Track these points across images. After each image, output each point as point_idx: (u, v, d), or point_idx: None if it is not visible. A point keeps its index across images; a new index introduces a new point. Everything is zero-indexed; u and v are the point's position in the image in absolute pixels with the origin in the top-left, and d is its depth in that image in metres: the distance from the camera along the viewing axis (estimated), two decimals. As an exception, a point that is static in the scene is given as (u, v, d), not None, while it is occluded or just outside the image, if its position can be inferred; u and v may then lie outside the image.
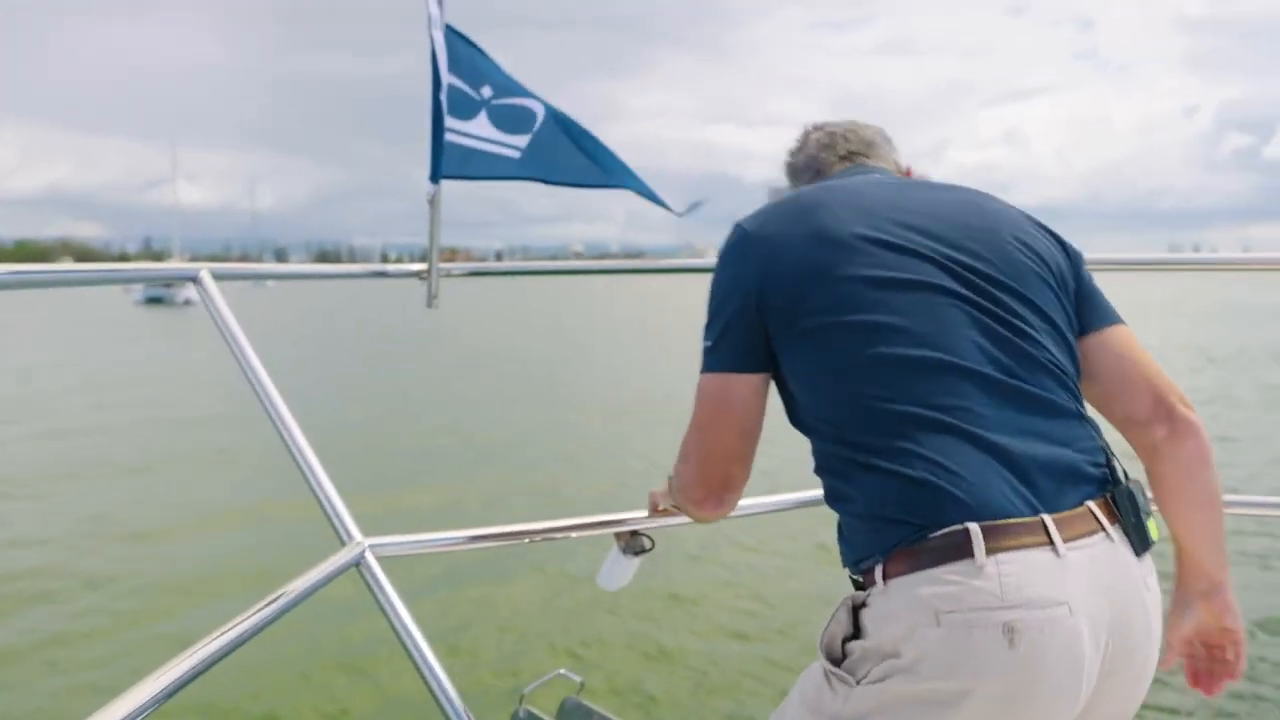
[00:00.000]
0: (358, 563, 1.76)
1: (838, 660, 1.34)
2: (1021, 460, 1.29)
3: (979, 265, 1.41)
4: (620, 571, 2.08)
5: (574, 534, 2.09)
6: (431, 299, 2.61)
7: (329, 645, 6.28)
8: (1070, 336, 1.45)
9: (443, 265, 2.61)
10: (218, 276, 2.01)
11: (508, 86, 2.65)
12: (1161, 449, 1.42)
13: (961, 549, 1.23)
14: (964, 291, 1.39)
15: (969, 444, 1.29)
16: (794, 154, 1.83)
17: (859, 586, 1.37)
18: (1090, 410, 1.44)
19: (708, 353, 1.49)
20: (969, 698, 1.21)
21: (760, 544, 8.39)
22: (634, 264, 3.30)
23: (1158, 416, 1.43)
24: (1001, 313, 1.39)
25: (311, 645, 6.22)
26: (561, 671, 2.21)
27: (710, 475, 1.52)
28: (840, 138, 1.78)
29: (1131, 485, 1.34)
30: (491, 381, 21.93)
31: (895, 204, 1.48)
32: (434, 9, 2.49)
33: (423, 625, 1.76)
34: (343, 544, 1.80)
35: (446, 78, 2.55)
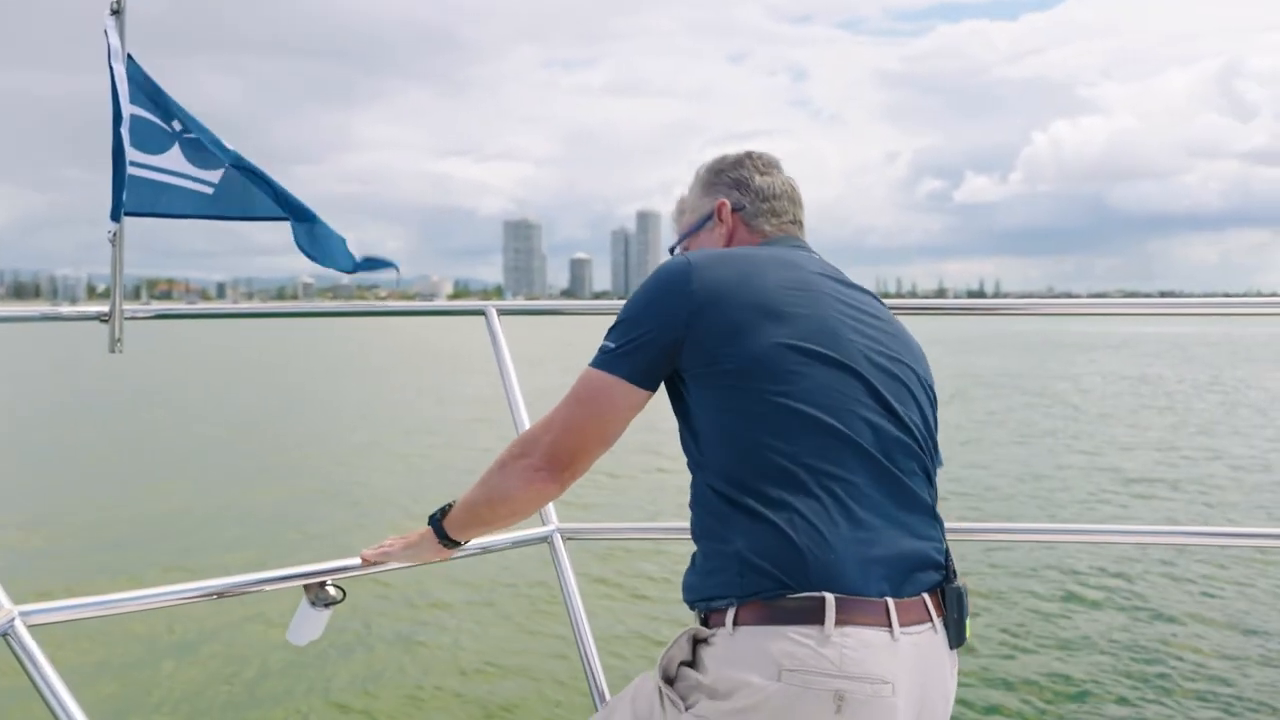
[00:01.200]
0: (4, 633, 1.59)
1: (671, 682, 1.45)
2: (884, 545, 1.41)
3: (888, 364, 1.56)
4: (310, 625, 2.02)
5: (264, 588, 2.02)
6: (115, 343, 2.43)
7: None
8: (935, 439, 1.61)
9: (128, 307, 2.44)
10: None
11: (192, 124, 2.54)
12: None
13: (814, 615, 1.35)
14: (870, 379, 1.51)
15: (845, 517, 1.40)
16: (740, 170, 1.83)
17: (704, 622, 1.46)
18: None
19: (609, 353, 1.55)
20: None
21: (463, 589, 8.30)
22: (337, 307, 3.23)
23: None
24: (897, 406, 1.52)
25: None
26: None
27: (559, 454, 1.56)
28: (789, 200, 1.83)
29: (961, 585, 1.48)
30: (185, 428, 20.38)
31: (829, 291, 1.60)
32: (114, 40, 2.36)
33: (86, 702, 1.61)
34: None
35: (128, 109, 2.42)
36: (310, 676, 6.46)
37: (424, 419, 21.92)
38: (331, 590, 2.00)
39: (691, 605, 1.52)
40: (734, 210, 1.81)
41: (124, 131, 2.39)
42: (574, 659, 2.17)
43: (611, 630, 6.68)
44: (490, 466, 1.64)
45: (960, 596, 1.47)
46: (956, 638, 1.46)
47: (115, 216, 2.41)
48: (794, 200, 1.84)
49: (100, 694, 6.04)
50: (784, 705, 1.32)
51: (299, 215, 2.60)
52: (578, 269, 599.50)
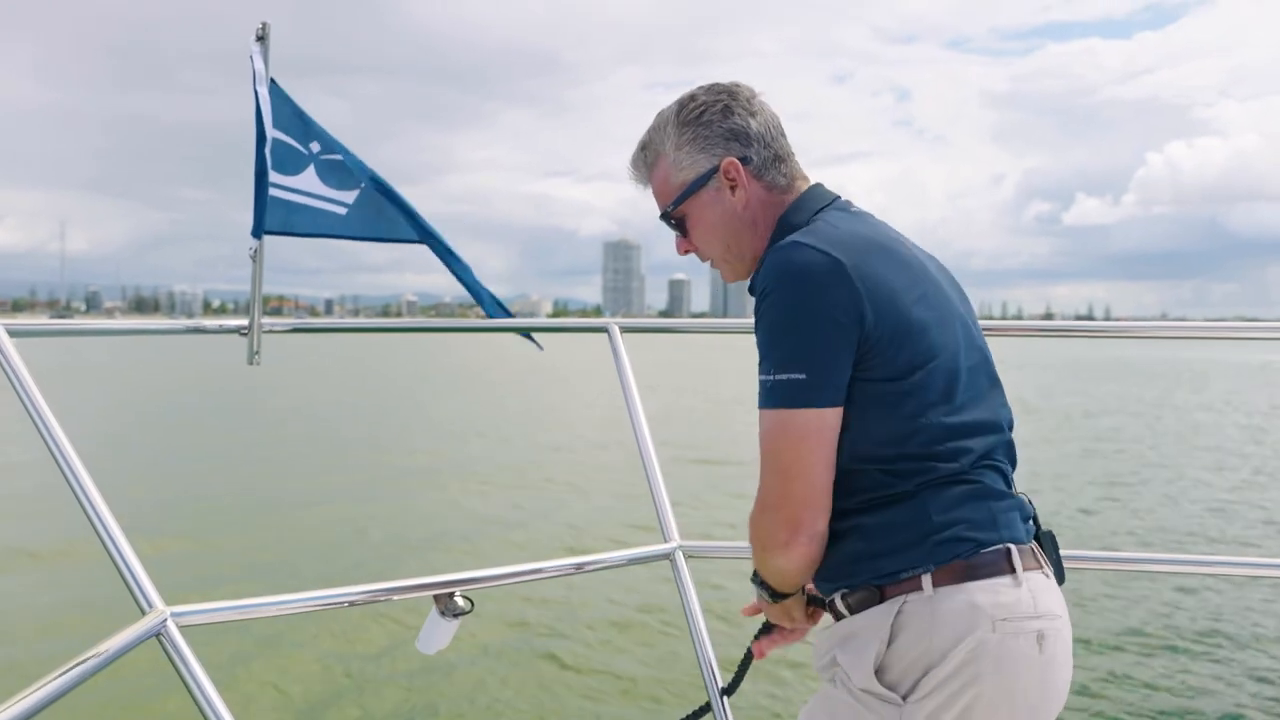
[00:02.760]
0: (158, 633, 1.66)
1: (871, 679, 1.42)
2: (1018, 502, 1.52)
3: (976, 338, 1.59)
4: (439, 634, 2.06)
5: (394, 597, 2.07)
6: (253, 355, 2.52)
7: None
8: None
9: (266, 320, 2.53)
10: (14, 334, 1.91)
11: (333, 144, 2.64)
12: None
13: (1005, 564, 1.42)
14: (980, 358, 1.56)
15: (1002, 481, 1.51)
16: (732, 118, 1.63)
17: (879, 597, 1.44)
18: None
19: (802, 387, 1.39)
20: (1013, 696, 1.38)
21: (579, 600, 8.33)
22: (465, 323, 3.31)
23: None
24: (995, 375, 1.59)
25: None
26: None
27: (802, 516, 1.43)
28: (782, 133, 1.66)
29: (1049, 530, 1.57)
30: (310, 438, 21.08)
31: (932, 272, 1.56)
32: (259, 65, 2.45)
33: (231, 701, 1.67)
34: (142, 613, 1.69)
35: (271, 133, 2.51)
36: (438, 685, 6.56)
37: (546, 434, 22.22)
38: (460, 601, 2.04)
39: (859, 584, 1.47)
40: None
41: (267, 153, 2.49)
42: (696, 675, 2.17)
43: (733, 648, 6.56)
44: (756, 554, 1.54)
45: (1054, 538, 1.54)
46: (1059, 575, 1.53)
47: (256, 234, 2.50)
48: (784, 132, 1.67)
49: (239, 692, 6.25)
50: (999, 654, 1.36)
51: (431, 240, 2.71)
52: (676, 289, 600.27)
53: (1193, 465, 18.37)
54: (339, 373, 44.32)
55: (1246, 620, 8.05)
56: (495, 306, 2.82)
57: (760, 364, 1.43)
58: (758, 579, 1.62)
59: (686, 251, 1.71)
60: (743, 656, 1.91)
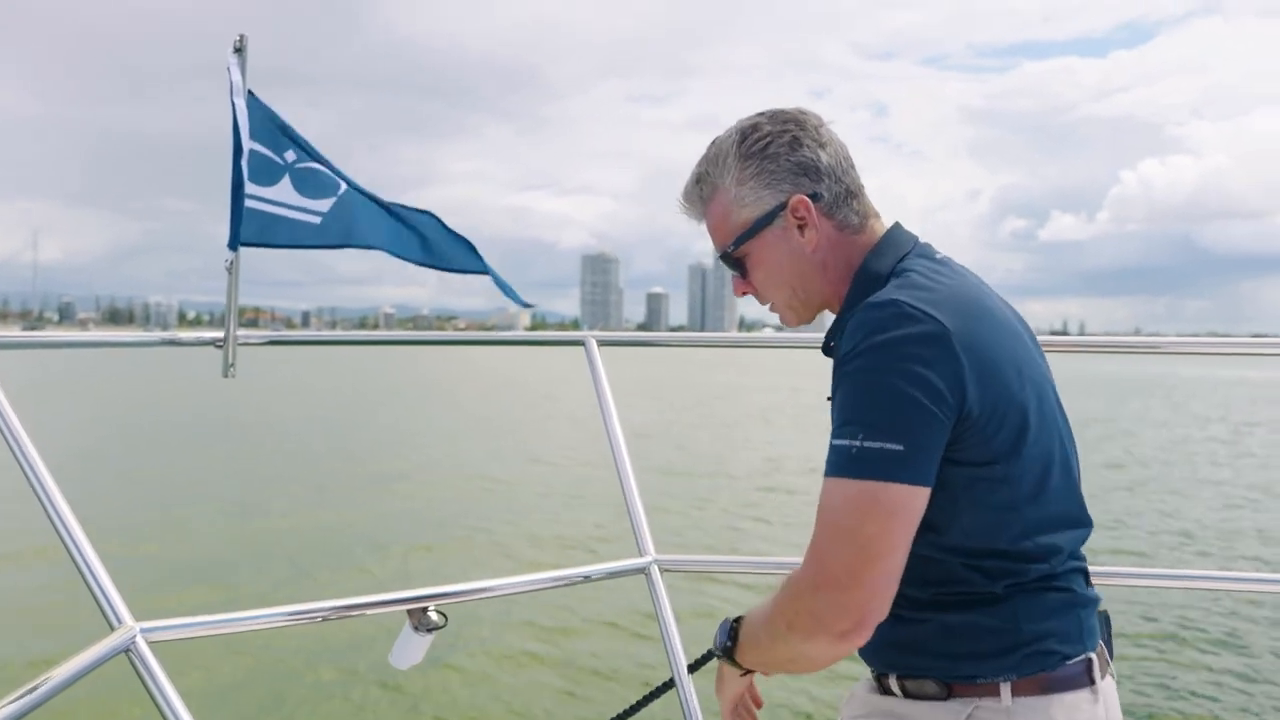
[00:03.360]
0: (127, 648, 1.65)
1: None
2: (1097, 601, 1.44)
3: (1062, 410, 1.45)
4: (412, 649, 2.06)
5: (367, 612, 2.06)
6: (228, 368, 2.50)
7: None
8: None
9: (241, 333, 2.51)
10: None
11: (311, 153, 2.63)
12: None
13: (1085, 677, 1.35)
14: (1068, 438, 1.44)
15: (1084, 581, 1.41)
16: (801, 150, 1.46)
17: (947, 693, 1.34)
18: None
19: (898, 459, 1.22)
20: None
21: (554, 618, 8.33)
22: (442, 336, 3.30)
23: None
24: (1075, 455, 1.45)
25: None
26: None
27: (873, 603, 1.23)
28: (852, 165, 1.50)
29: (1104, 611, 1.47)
30: (285, 451, 21.02)
31: (1011, 321, 1.42)
32: (236, 76, 2.45)
33: (201, 716, 1.66)
34: (111, 628, 1.68)
35: (248, 144, 2.50)
36: (411, 699, 6.54)
37: (523, 446, 22.19)
38: (434, 615, 2.04)
39: (926, 675, 1.37)
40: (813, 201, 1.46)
41: (243, 164, 2.48)
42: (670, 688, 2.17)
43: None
44: (782, 630, 1.33)
45: (1108, 619, 1.46)
46: (1110, 657, 1.45)
47: (232, 246, 2.49)
48: (854, 164, 1.50)
49: (209, 709, 6.20)
50: None
51: (410, 241, 2.68)
52: (654, 303, 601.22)
53: (1177, 479, 18.56)
54: (315, 385, 44.08)
55: (1246, 631, 8.15)
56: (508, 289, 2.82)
57: (841, 427, 1.26)
58: (729, 633, 1.47)
59: (744, 293, 1.55)
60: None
